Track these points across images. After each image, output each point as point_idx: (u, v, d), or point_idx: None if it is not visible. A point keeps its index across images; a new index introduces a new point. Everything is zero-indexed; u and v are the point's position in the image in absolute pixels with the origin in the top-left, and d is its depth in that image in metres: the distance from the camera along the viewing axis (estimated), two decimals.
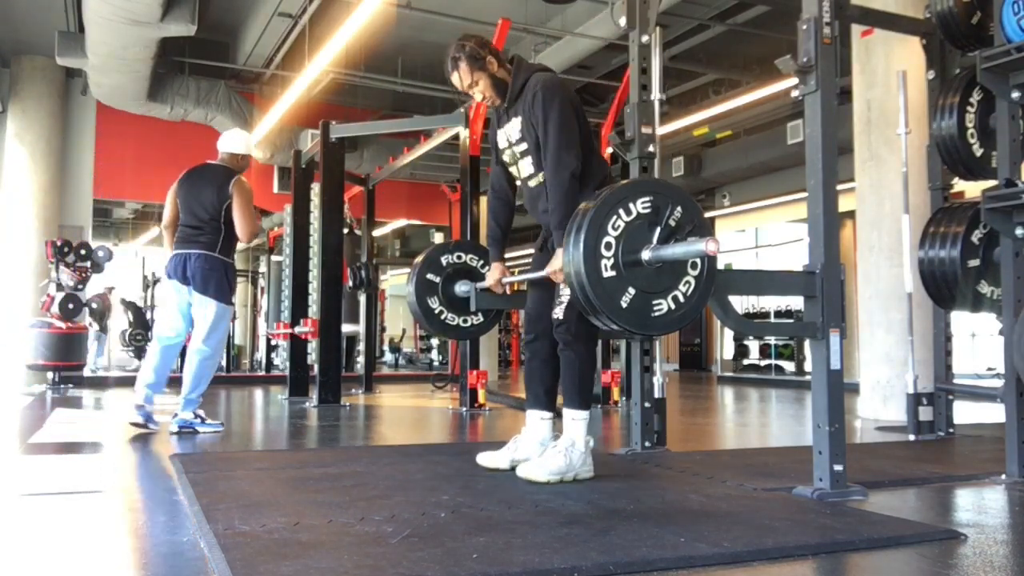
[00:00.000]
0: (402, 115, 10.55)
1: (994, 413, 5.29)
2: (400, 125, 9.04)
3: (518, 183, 3.14)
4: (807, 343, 2.90)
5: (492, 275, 3.24)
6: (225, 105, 10.18)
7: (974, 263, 3.75)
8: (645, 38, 3.81)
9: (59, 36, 8.57)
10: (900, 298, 5.00)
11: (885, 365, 5.54)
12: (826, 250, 2.76)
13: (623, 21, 3.86)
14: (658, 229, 2.43)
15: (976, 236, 3.76)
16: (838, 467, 2.70)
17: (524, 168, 3.03)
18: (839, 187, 2.85)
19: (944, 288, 3.85)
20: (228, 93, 10.23)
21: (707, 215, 13.35)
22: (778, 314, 11.36)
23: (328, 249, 6.67)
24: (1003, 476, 3.12)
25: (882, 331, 5.54)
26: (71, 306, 8.49)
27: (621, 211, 2.40)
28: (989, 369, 8.52)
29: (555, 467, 2.82)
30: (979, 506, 2.75)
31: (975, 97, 3.76)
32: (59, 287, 8.50)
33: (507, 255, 3.27)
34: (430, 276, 3.53)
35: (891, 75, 5.28)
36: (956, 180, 4.33)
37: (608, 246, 2.38)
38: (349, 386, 8.10)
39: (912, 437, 4.52)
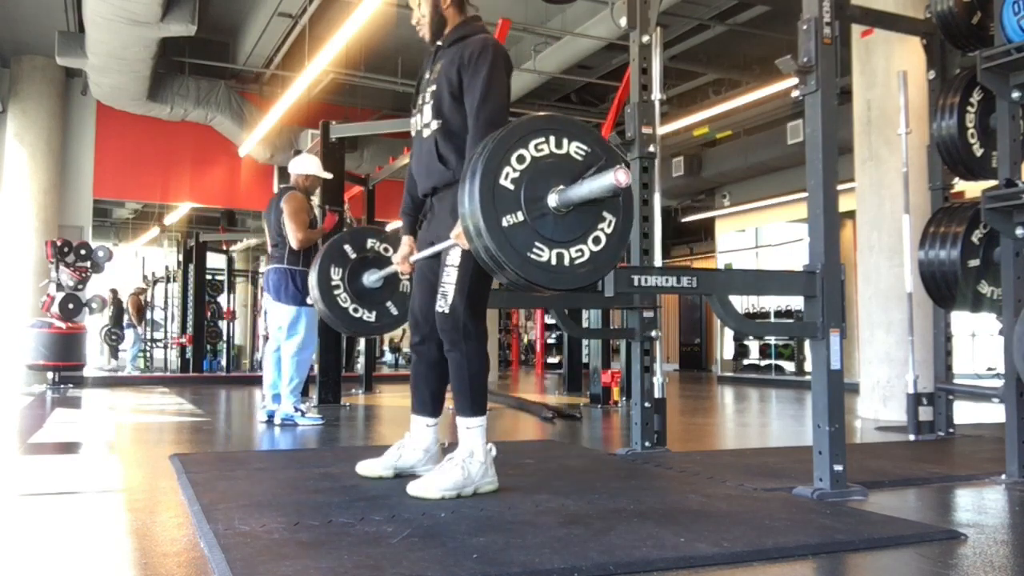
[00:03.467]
0: (402, 115, 10.53)
1: (994, 413, 5.29)
2: (400, 125, 9.01)
3: (422, 133, 2.84)
4: (807, 343, 2.90)
5: (401, 250, 2.97)
6: (225, 105, 10.17)
7: (974, 263, 3.75)
8: (645, 38, 3.81)
9: (59, 36, 8.56)
10: (900, 298, 5.00)
11: (885, 365, 5.54)
12: (826, 250, 2.76)
13: (623, 21, 3.86)
14: (577, 179, 2.21)
15: (976, 236, 3.76)
16: (838, 467, 2.70)
17: (424, 114, 2.80)
18: (839, 187, 2.84)
19: (944, 288, 3.85)
20: (228, 93, 10.23)
21: (707, 215, 13.48)
22: (778, 314, 11.35)
23: None
24: (1003, 476, 3.12)
25: (882, 331, 5.54)
26: (71, 306, 8.49)
27: (521, 150, 2.18)
28: (989, 369, 8.51)
29: (449, 482, 2.56)
30: (979, 506, 2.75)
31: (975, 97, 3.76)
32: (59, 287, 8.50)
33: None
34: (346, 248, 3.27)
35: (891, 75, 5.28)
36: (956, 180, 4.33)
37: (510, 175, 2.16)
38: (349, 386, 8.10)
39: (912, 437, 4.52)
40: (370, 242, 3.28)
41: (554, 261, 2.20)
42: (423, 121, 2.82)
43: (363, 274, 3.25)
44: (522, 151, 2.17)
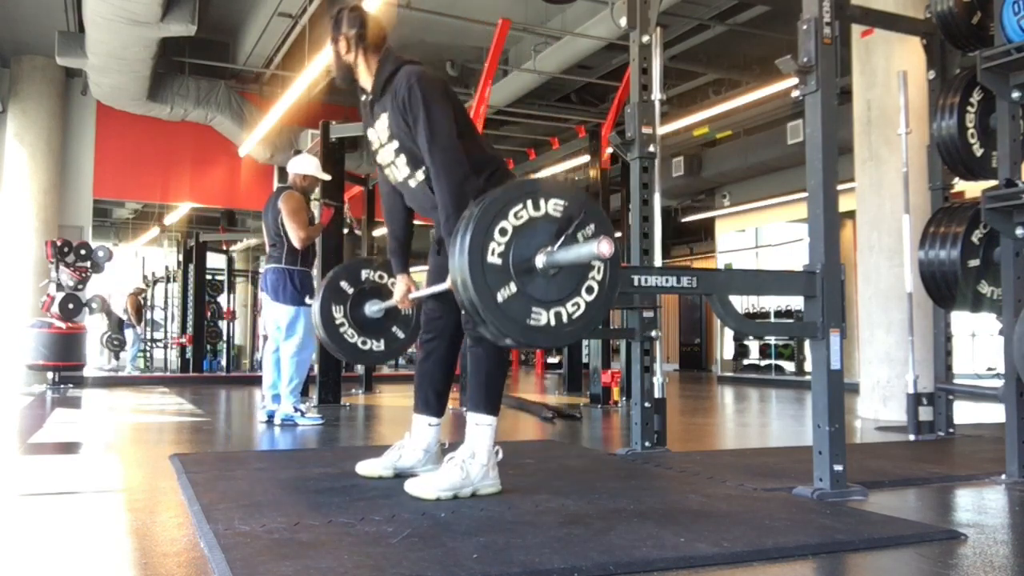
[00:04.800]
0: None
1: (994, 413, 5.29)
2: None
3: (397, 177, 2.83)
4: (807, 343, 2.90)
5: (398, 289, 3.00)
6: (225, 105, 10.18)
7: (974, 263, 3.75)
8: (645, 38, 3.81)
9: (59, 36, 8.57)
10: (900, 298, 5.00)
11: (885, 365, 5.54)
12: (826, 250, 2.76)
13: (623, 21, 3.86)
14: (562, 238, 2.22)
15: (976, 236, 3.76)
16: (838, 467, 2.70)
17: (400, 168, 2.77)
18: (839, 187, 2.84)
19: (944, 288, 3.85)
20: (228, 93, 10.23)
21: (707, 215, 13.48)
22: (778, 314, 11.36)
23: (328, 249, 6.67)
24: (1003, 476, 3.12)
25: (882, 331, 5.54)
26: (71, 306, 8.49)
27: (502, 223, 2.18)
28: (989, 369, 8.51)
29: (448, 482, 2.54)
30: (979, 506, 2.75)
31: (975, 97, 3.76)
32: (59, 287, 8.50)
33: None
34: (343, 285, 3.26)
35: (891, 75, 5.28)
36: (956, 180, 4.33)
37: (496, 250, 2.17)
38: (349, 386, 8.10)
39: (912, 437, 4.52)
40: (364, 273, 3.30)
41: (553, 322, 2.24)
42: (402, 174, 2.78)
43: (364, 306, 3.27)
44: (503, 223, 2.18)
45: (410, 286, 2.97)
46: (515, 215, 2.19)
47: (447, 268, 2.63)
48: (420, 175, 2.73)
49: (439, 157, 2.58)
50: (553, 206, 2.24)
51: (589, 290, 2.29)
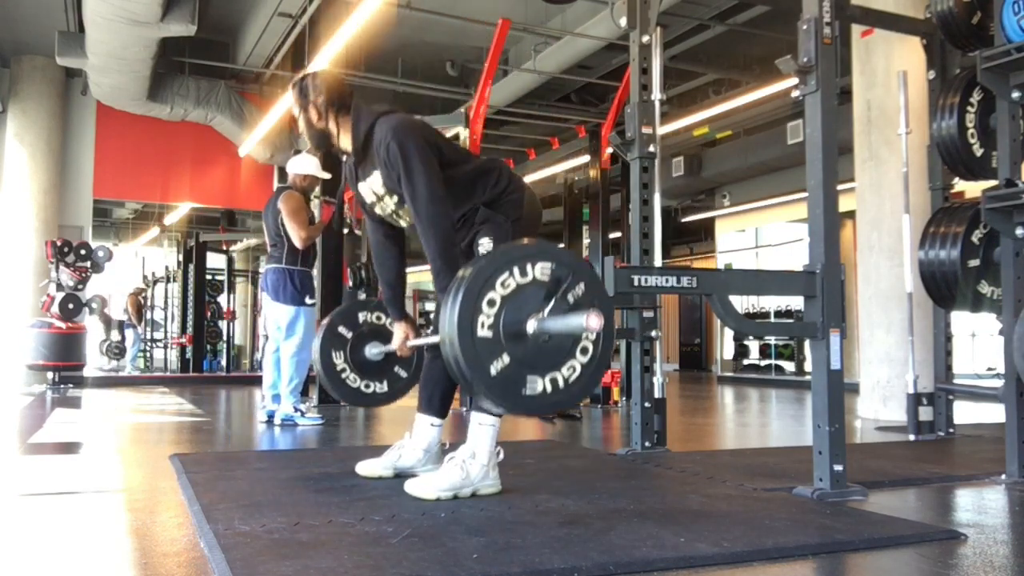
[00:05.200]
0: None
1: (994, 413, 5.29)
2: None
3: (402, 224, 2.89)
4: (807, 343, 2.90)
5: (397, 336, 2.98)
6: (225, 105, 10.17)
7: (974, 263, 3.75)
8: (645, 38, 3.81)
9: (59, 36, 8.56)
10: (900, 298, 5.00)
11: (885, 365, 5.54)
12: (826, 250, 2.76)
13: (623, 21, 3.86)
14: (552, 301, 2.17)
15: (976, 236, 3.76)
16: (838, 467, 2.70)
17: (405, 217, 2.80)
18: (839, 187, 2.84)
19: (944, 288, 3.85)
20: (228, 93, 10.22)
21: (707, 215, 13.48)
22: (778, 314, 11.35)
23: (328, 249, 6.67)
24: (1003, 476, 3.12)
25: (882, 331, 5.54)
26: (71, 306, 8.49)
27: (490, 294, 2.14)
28: (989, 369, 8.51)
29: (448, 482, 2.54)
30: (979, 506, 2.75)
31: (975, 97, 3.76)
32: (59, 287, 8.50)
33: None
34: (342, 330, 3.22)
35: (891, 75, 5.28)
36: (956, 180, 4.33)
37: (486, 323, 2.12)
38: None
39: (912, 437, 4.52)
40: (362, 316, 3.27)
41: (549, 389, 2.20)
42: (406, 222, 2.81)
43: (364, 348, 3.23)
44: (491, 295, 2.13)
45: (408, 333, 2.95)
46: (502, 284, 2.14)
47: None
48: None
49: (423, 212, 2.57)
50: (540, 270, 2.18)
51: (584, 351, 2.24)
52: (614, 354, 8.12)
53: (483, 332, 2.12)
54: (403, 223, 2.85)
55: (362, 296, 7.22)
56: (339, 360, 3.20)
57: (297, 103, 2.76)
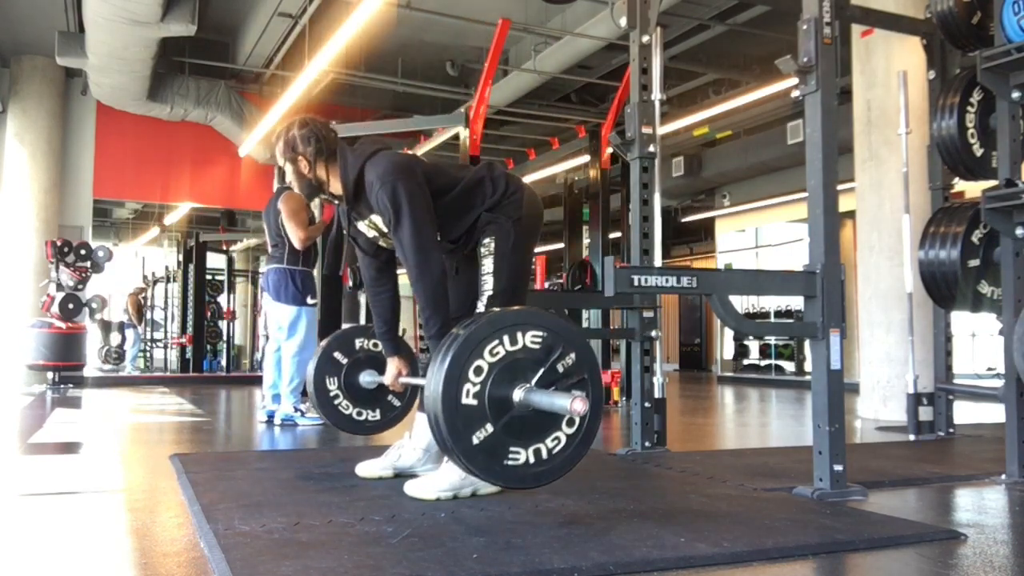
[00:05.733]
0: (402, 115, 10.54)
1: (994, 413, 5.29)
2: (400, 125, 9.04)
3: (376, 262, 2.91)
4: (807, 343, 2.90)
5: (389, 372, 2.96)
6: (225, 105, 10.17)
7: (974, 263, 3.75)
8: (645, 38, 3.81)
9: (59, 36, 8.56)
10: (900, 298, 5.00)
11: (885, 365, 5.54)
12: (826, 250, 2.76)
13: (623, 21, 3.86)
14: (541, 370, 2.14)
15: (976, 236, 3.76)
16: (838, 467, 2.70)
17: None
18: (839, 187, 2.84)
19: (944, 288, 3.85)
20: (228, 93, 10.22)
21: (707, 215, 13.48)
22: (778, 314, 11.35)
23: (328, 249, 6.67)
24: (1003, 476, 3.12)
25: (882, 331, 5.54)
26: (71, 306, 8.49)
27: (478, 362, 2.10)
28: (989, 369, 8.51)
29: (447, 482, 2.53)
30: (979, 506, 2.75)
31: (975, 97, 3.76)
32: (59, 287, 8.50)
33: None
34: (337, 355, 3.21)
35: (891, 75, 5.28)
36: (956, 180, 4.33)
37: (472, 391, 2.09)
38: None
39: (912, 437, 4.52)
40: (358, 343, 3.25)
41: (532, 459, 2.15)
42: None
43: (358, 376, 3.21)
44: (478, 362, 2.10)
45: (400, 369, 2.94)
46: (491, 352, 2.11)
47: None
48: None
49: (412, 261, 2.59)
50: (531, 338, 2.15)
51: (570, 423, 2.19)
52: (614, 354, 8.14)
53: (468, 400, 2.08)
54: None
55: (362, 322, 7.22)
56: (332, 386, 3.19)
57: (284, 155, 2.74)
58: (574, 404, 2.03)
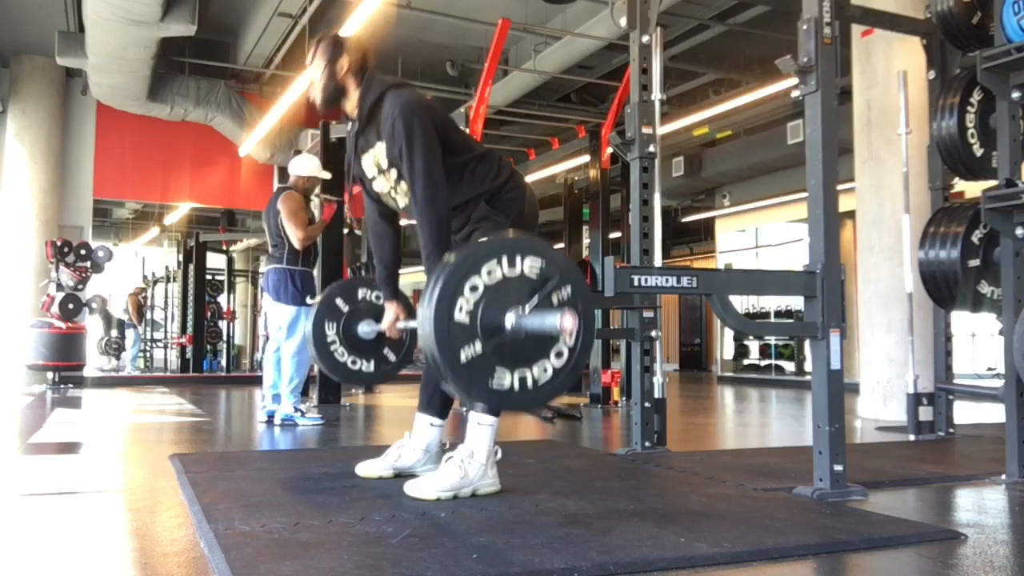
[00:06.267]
0: None
1: (994, 413, 5.29)
2: None
3: (399, 204, 2.86)
4: (807, 343, 2.90)
5: (387, 317, 2.96)
6: (225, 105, 10.17)
7: (974, 263, 3.75)
8: (645, 38, 3.81)
9: (59, 36, 8.56)
10: (900, 298, 5.00)
11: (885, 365, 5.54)
12: (826, 250, 2.76)
13: (623, 21, 3.86)
14: (535, 298, 2.13)
15: (976, 236, 3.76)
16: (838, 467, 2.70)
17: (401, 197, 2.79)
18: (839, 187, 2.84)
19: (944, 288, 3.85)
20: (228, 93, 10.22)
21: (707, 215, 13.48)
22: (778, 314, 11.36)
23: (328, 249, 6.67)
24: (1003, 476, 3.12)
25: (882, 331, 5.54)
26: (71, 306, 8.49)
27: (474, 279, 2.11)
28: (989, 369, 8.51)
29: (447, 483, 2.54)
30: (979, 506, 2.75)
31: (975, 97, 3.76)
32: (59, 287, 8.51)
33: None
34: (339, 302, 3.20)
35: (891, 75, 5.28)
36: (956, 180, 4.33)
37: (465, 307, 2.09)
38: (349, 386, 8.10)
39: (912, 437, 4.52)
40: (361, 292, 3.25)
41: (517, 386, 2.16)
42: (403, 202, 2.80)
43: (357, 325, 3.20)
44: (475, 280, 2.11)
45: (399, 314, 2.94)
46: (488, 272, 2.12)
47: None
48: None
49: (420, 194, 2.58)
50: (529, 265, 2.16)
51: (559, 355, 2.21)
52: (614, 354, 8.14)
53: (460, 316, 2.09)
54: (399, 202, 2.82)
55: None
56: (331, 332, 3.19)
57: (327, 53, 2.74)
58: (564, 320, 2.03)
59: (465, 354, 2.10)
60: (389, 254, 2.98)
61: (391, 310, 2.96)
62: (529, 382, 2.18)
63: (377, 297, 3.21)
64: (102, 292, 9.48)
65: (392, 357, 3.31)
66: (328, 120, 7.02)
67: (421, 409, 2.91)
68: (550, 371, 2.20)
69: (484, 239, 2.28)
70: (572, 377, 2.26)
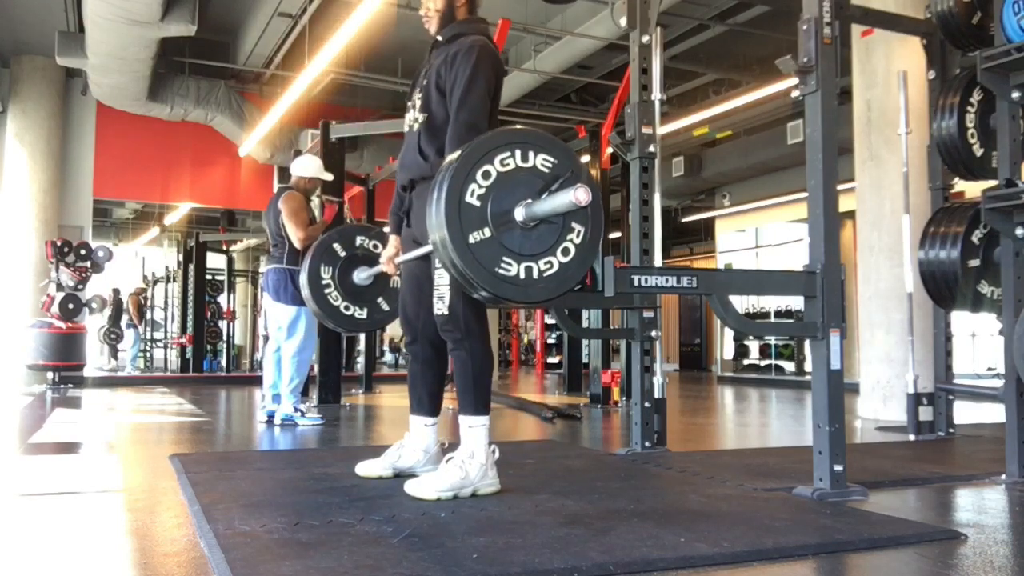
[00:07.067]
0: (402, 115, 10.52)
1: (994, 413, 5.29)
2: (400, 125, 9.02)
3: (405, 129, 2.91)
4: (807, 343, 2.90)
5: (386, 251, 2.97)
6: (225, 105, 10.17)
7: (974, 263, 3.75)
8: (645, 38, 3.81)
9: (59, 36, 8.56)
10: (900, 298, 5.00)
11: (885, 365, 5.54)
12: (826, 250, 2.76)
13: (623, 21, 3.86)
14: (544, 191, 2.18)
15: (976, 236, 3.76)
16: (838, 467, 2.70)
17: (415, 109, 2.83)
18: (839, 187, 2.84)
19: (944, 288, 3.85)
20: (228, 93, 10.22)
21: (707, 215, 13.47)
22: (778, 314, 11.35)
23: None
24: (1003, 476, 3.12)
25: (882, 331, 5.54)
26: (71, 306, 8.49)
27: (487, 167, 2.15)
28: (989, 369, 8.51)
29: (447, 483, 2.54)
30: (979, 506, 2.75)
31: (975, 97, 3.76)
32: (59, 287, 8.50)
33: None
34: (336, 247, 3.19)
35: (891, 75, 5.28)
36: (956, 180, 4.33)
37: (476, 191, 2.13)
38: (349, 386, 8.10)
39: (912, 437, 4.52)
40: (359, 239, 3.25)
41: (522, 275, 2.19)
42: (412, 116, 2.84)
43: (353, 272, 3.21)
44: (487, 167, 2.14)
45: (398, 248, 2.94)
46: (501, 161, 2.15)
47: (421, 235, 2.62)
48: (421, 118, 2.78)
49: (463, 117, 2.60)
50: (542, 161, 2.20)
51: (565, 251, 2.24)
52: (614, 354, 8.13)
53: (470, 199, 2.13)
54: (408, 117, 2.86)
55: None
56: (326, 275, 3.21)
57: None
58: (578, 194, 2.06)
59: (473, 237, 2.13)
60: (408, 180, 2.89)
61: (393, 243, 2.94)
62: (535, 272, 2.21)
63: (375, 246, 3.21)
64: (113, 285, 9.46)
65: (385, 306, 3.31)
66: (328, 120, 7.02)
67: (412, 411, 2.93)
68: (556, 265, 2.23)
69: (500, 128, 2.30)
70: (578, 274, 2.28)
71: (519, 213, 2.17)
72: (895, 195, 5.18)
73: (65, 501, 2.72)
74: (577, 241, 2.26)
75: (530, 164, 2.19)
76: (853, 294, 5.99)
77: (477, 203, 2.14)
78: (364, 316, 3.30)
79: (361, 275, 3.21)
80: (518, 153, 2.18)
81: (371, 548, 1.95)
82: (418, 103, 2.81)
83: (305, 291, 3.24)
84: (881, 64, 5.57)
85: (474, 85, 2.62)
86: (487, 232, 2.14)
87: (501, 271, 2.17)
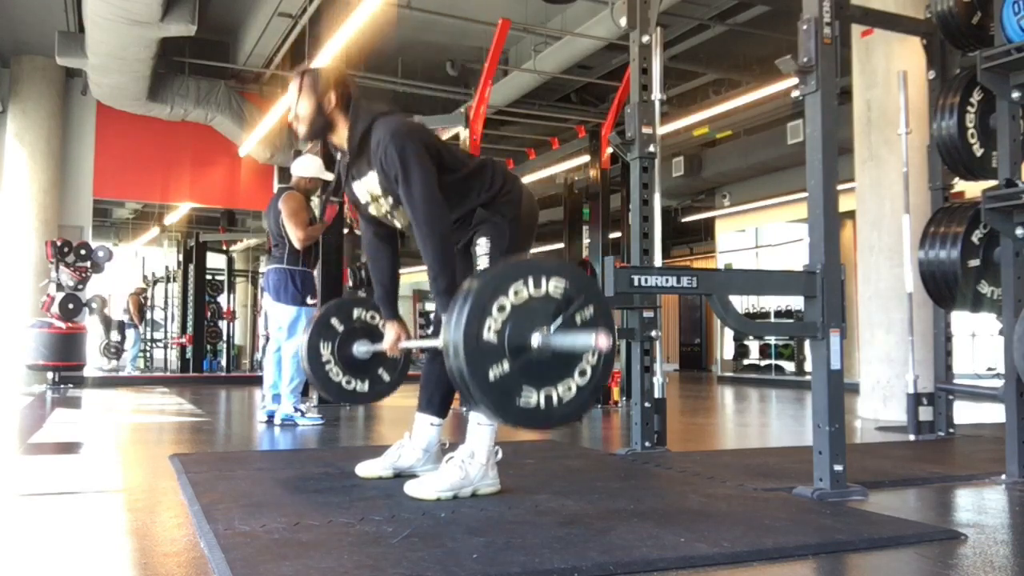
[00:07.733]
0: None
1: (994, 413, 5.29)
2: None
3: (397, 225, 2.87)
4: (807, 343, 2.90)
5: (388, 336, 2.95)
6: (225, 105, 10.17)
7: (974, 263, 3.75)
8: (645, 38, 3.81)
9: (59, 36, 8.56)
10: (900, 298, 5.00)
11: (885, 365, 5.54)
12: (826, 250, 2.76)
13: (623, 21, 3.86)
14: (560, 318, 2.18)
15: (976, 236, 3.76)
16: (838, 467, 2.70)
17: (400, 218, 2.79)
18: (839, 187, 2.84)
19: (944, 288, 3.85)
20: (228, 93, 10.22)
21: (707, 215, 13.48)
22: (778, 314, 11.35)
23: (328, 249, 6.68)
24: (1003, 476, 3.12)
25: (882, 331, 5.54)
26: (71, 306, 8.49)
27: (522, 284, 2.16)
28: (989, 369, 8.51)
29: (447, 483, 2.55)
30: (979, 506, 2.75)
31: (975, 97, 3.76)
32: (59, 287, 8.50)
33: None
34: (334, 322, 3.20)
35: (891, 75, 5.28)
36: (956, 180, 4.33)
37: (493, 327, 2.13)
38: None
39: (912, 437, 4.52)
40: (356, 312, 3.24)
41: (543, 404, 2.19)
42: (402, 223, 2.79)
43: (352, 345, 3.19)
44: (502, 300, 2.14)
45: (399, 334, 2.94)
46: (515, 293, 2.15)
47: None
48: (397, 210, 2.74)
49: (421, 217, 2.58)
50: (554, 286, 2.20)
51: (582, 373, 2.24)
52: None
53: (488, 335, 2.12)
54: (398, 224, 2.84)
55: (361, 295, 7.20)
56: (326, 351, 3.18)
57: (313, 88, 2.72)
58: (599, 339, 2.10)
59: (493, 373, 2.13)
60: (387, 275, 2.97)
61: (393, 329, 2.94)
62: (555, 399, 2.21)
63: (372, 316, 3.21)
64: (101, 293, 9.47)
65: (386, 377, 3.31)
66: None
67: (421, 409, 2.91)
68: (574, 389, 2.23)
69: (509, 260, 2.34)
70: (595, 394, 2.30)
71: (535, 340, 2.17)
72: (895, 195, 5.18)
73: (65, 501, 2.72)
74: (593, 362, 2.26)
75: (543, 290, 2.20)
76: (853, 294, 5.99)
77: (495, 338, 2.13)
78: (366, 389, 3.31)
79: (361, 349, 3.20)
80: (530, 282, 2.18)
81: (371, 548, 1.95)
82: (401, 213, 2.73)
83: (306, 367, 3.25)
84: (881, 64, 5.57)
85: (411, 181, 2.57)
86: (506, 366, 2.14)
87: (522, 403, 2.17)
